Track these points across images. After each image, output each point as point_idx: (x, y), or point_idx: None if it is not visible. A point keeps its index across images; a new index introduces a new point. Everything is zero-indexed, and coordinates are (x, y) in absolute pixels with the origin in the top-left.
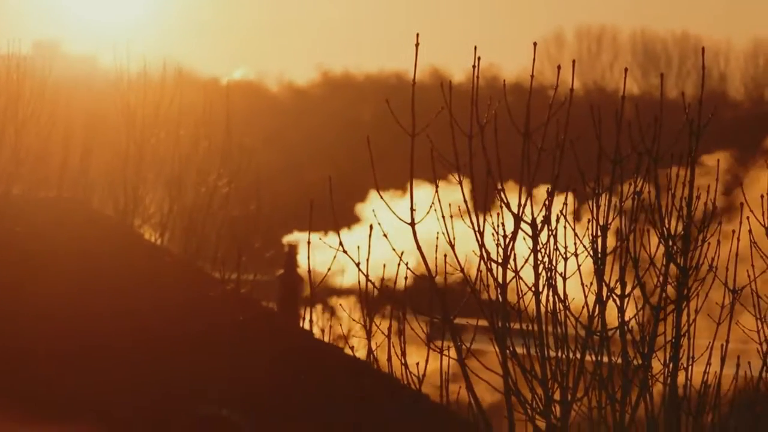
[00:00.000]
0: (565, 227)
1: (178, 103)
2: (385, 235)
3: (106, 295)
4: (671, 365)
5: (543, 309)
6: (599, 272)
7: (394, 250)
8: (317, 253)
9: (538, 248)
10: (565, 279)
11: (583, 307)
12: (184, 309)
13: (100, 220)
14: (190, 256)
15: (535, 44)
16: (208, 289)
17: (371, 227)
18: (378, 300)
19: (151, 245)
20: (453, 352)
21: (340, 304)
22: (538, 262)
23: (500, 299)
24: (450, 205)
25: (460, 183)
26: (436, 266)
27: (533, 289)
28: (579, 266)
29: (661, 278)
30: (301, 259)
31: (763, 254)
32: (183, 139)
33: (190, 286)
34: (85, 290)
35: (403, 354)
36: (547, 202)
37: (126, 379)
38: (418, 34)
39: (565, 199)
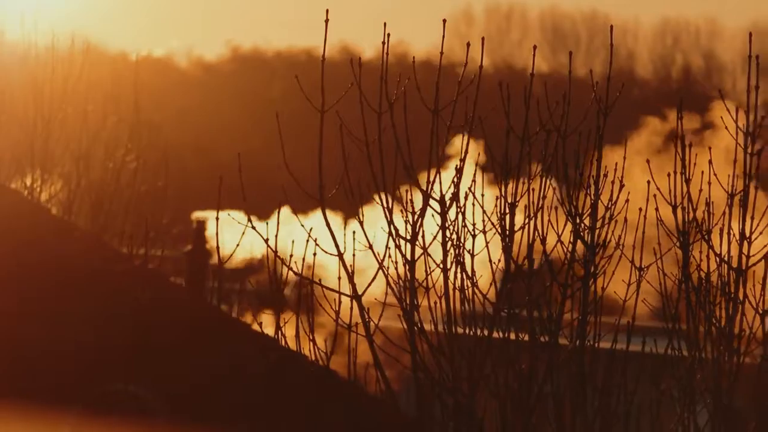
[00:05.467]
0: (473, 204)
1: (86, 78)
2: (294, 213)
3: (11, 269)
4: (578, 342)
5: (451, 286)
6: (507, 249)
7: (302, 225)
8: (227, 229)
9: (447, 225)
10: (473, 256)
11: (490, 285)
12: (91, 283)
13: (7, 194)
14: (98, 231)
15: (444, 21)
16: (115, 264)
17: (280, 204)
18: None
19: (58, 220)
20: (361, 329)
21: (249, 280)
22: (447, 240)
23: (408, 276)
24: (359, 182)
25: (369, 160)
26: (344, 242)
27: (441, 266)
28: (487, 243)
29: (568, 256)
30: (211, 234)
31: (669, 232)
32: (91, 114)
33: (98, 261)
34: None
35: (311, 330)
36: (455, 180)
37: (28, 355)
38: (327, 10)
39: (474, 176)
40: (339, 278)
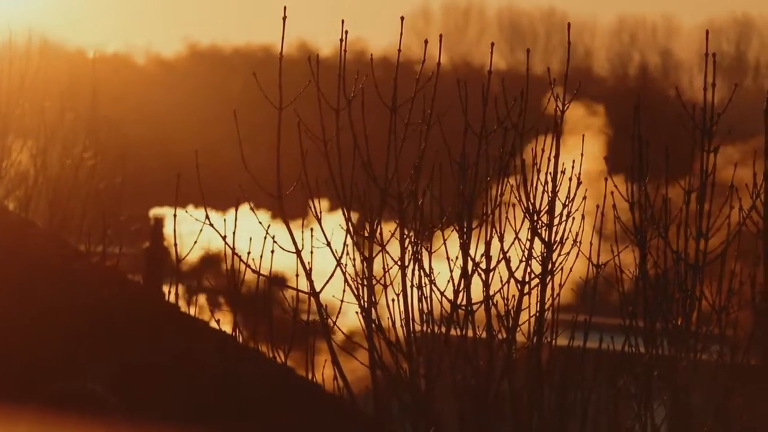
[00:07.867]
0: (431, 201)
1: (43, 74)
2: (251, 209)
3: None
4: (535, 339)
5: (409, 283)
6: (465, 246)
7: (260, 222)
8: (185, 226)
9: (405, 222)
10: (431, 253)
11: (448, 282)
12: (49, 281)
13: None
14: (55, 227)
15: (402, 18)
16: (73, 261)
17: (238, 201)
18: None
19: (15, 217)
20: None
21: (206, 277)
22: (404, 236)
23: (366, 273)
24: (317, 179)
25: (327, 157)
26: (302, 240)
27: (399, 263)
28: (445, 240)
29: (526, 252)
30: (168, 232)
31: (627, 229)
32: (48, 110)
33: (55, 258)
34: None
35: (270, 327)
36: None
37: None
38: (285, 7)
39: (431, 173)
40: (297, 275)
